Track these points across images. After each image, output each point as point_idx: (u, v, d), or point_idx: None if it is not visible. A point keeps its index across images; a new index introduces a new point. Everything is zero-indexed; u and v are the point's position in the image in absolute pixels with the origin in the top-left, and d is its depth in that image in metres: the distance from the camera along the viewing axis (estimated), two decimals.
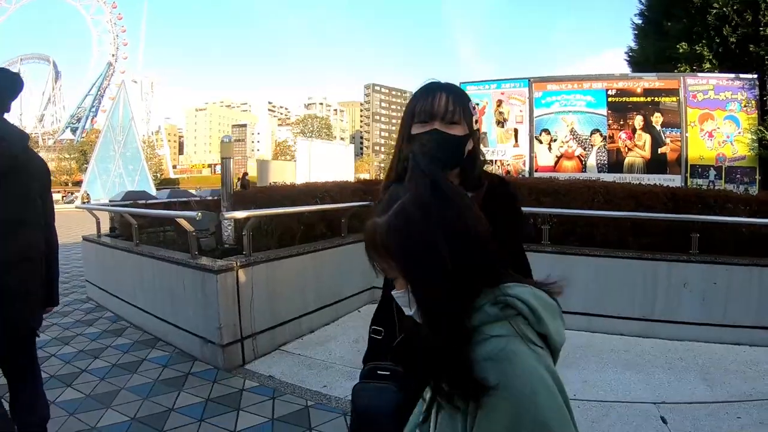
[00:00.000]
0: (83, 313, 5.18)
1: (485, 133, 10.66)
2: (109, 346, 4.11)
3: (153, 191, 30.78)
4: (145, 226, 5.90)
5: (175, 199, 7.19)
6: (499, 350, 0.67)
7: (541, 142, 10.65)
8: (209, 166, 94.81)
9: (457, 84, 1.30)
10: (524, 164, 10.74)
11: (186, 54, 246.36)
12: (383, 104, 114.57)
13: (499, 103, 10.89)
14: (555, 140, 10.75)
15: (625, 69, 13.75)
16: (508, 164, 10.80)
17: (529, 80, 10.72)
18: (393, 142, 1.44)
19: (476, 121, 1.25)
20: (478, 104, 10.41)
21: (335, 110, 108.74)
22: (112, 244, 4.99)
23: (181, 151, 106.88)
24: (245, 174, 21.95)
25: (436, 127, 1.18)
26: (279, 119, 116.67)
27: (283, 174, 15.28)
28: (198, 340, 3.72)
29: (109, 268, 5.16)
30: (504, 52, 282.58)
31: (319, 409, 3.01)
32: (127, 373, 3.50)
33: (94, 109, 70.28)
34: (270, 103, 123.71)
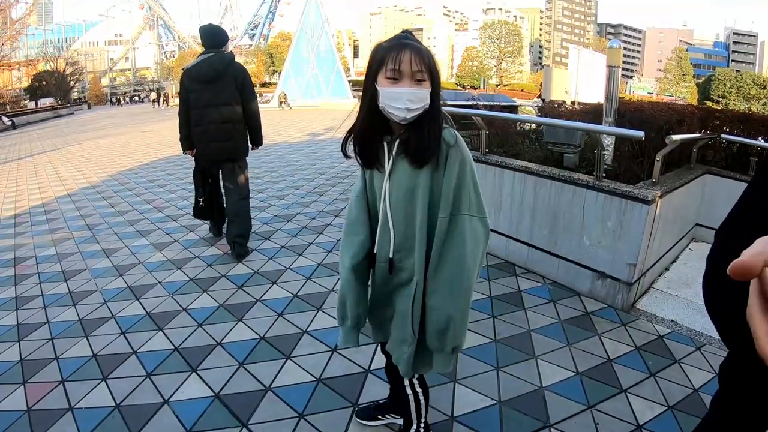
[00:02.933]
0: None
1: None
2: None
3: (350, 93, 31.75)
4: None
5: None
6: (455, 134, 1.34)
7: None
8: None
9: None
10: None
11: None
12: (566, 12, 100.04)
13: None
14: None
15: None
16: None
17: None
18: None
19: None
20: None
21: (515, 16, 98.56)
22: None
23: (356, 55, 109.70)
24: None
25: None
26: (456, 24, 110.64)
27: (561, 85, 13.77)
28: (590, 273, 3.19)
29: None
30: None
31: None
32: (516, 309, 3.06)
33: (270, 15, 74.22)
34: (445, 7, 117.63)
